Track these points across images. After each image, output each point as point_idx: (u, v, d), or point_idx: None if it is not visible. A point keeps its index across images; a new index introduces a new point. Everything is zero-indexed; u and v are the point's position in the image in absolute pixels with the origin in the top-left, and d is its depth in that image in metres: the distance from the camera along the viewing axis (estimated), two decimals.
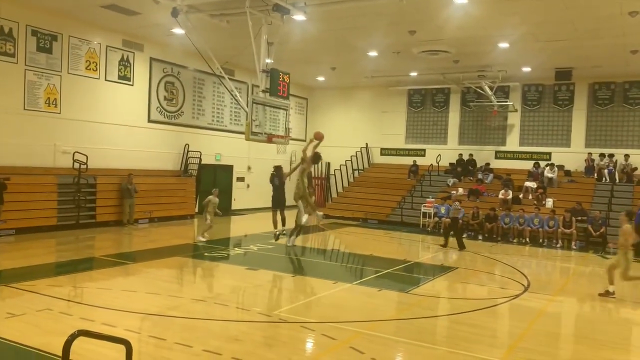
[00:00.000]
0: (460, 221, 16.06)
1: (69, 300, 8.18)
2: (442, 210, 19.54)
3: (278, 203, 13.73)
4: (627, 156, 20.39)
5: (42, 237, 14.07)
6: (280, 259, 12.51)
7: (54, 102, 15.70)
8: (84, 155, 15.65)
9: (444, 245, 15.40)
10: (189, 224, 18.89)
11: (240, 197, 23.06)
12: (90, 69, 16.68)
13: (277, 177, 13.44)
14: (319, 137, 13.53)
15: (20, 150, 14.83)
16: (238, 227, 19.31)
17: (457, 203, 16.04)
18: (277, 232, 13.68)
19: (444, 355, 6.49)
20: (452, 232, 15.57)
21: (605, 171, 20.33)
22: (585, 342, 7.40)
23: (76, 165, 15.50)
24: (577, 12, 13.32)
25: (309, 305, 8.88)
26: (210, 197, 14.98)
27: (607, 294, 9.93)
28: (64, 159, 15.75)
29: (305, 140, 27.36)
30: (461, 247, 15.15)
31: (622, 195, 18.83)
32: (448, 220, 19.06)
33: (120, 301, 8.14)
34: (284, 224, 13.33)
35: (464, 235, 18.12)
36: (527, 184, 20.66)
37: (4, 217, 13.73)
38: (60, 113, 15.85)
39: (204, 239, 14.52)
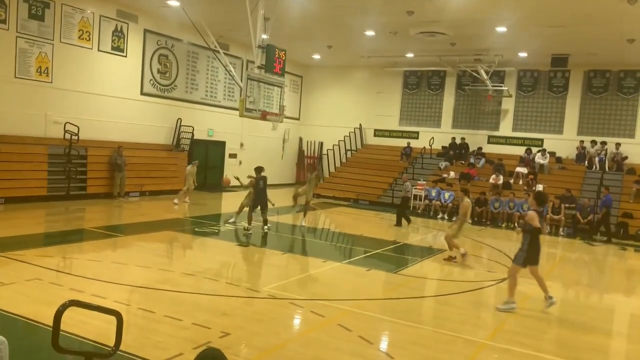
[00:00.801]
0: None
1: (58, 271, 8.19)
2: (433, 193, 19.64)
3: (263, 203, 12.92)
4: (618, 145, 20.52)
5: (32, 207, 14.01)
6: (271, 236, 12.56)
7: (46, 71, 15.48)
8: (76, 126, 15.50)
9: (397, 225, 15.91)
10: (182, 197, 18.83)
11: (232, 174, 22.95)
12: (83, 39, 16.42)
13: (261, 178, 12.50)
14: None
15: (10, 119, 14.66)
16: (229, 203, 19.30)
17: (407, 184, 16.90)
18: (250, 229, 12.88)
19: (429, 335, 6.59)
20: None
21: (596, 159, 20.47)
22: (569, 326, 7.53)
23: (67, 136, 15.36)
24: None
25: (298, 282, 8.95)
26: (189, 167, 17.14)
27: (450, 259, 11.22)
28: (55, 129, 15.60)
29: (298, 119, 27.36)
30: (408, 221, 16.15)
31: (611, 183, 18.98)
32: (438, 202, 19.28)
33: (110, 273, 8.16)
34: (266, 224, 12.71)
35: (454, 218, 18.40)
36: (518, 169, 20.78)
37: None
38: (52, 82, 15.64)
39: (177, 203, 16.39)
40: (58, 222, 13.20)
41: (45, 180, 15.16)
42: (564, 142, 21.89)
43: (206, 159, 21.90)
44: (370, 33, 18.64)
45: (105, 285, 7.47)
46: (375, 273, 9.90)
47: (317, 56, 24.43)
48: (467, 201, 11.43)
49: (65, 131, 15.36)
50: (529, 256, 7.86)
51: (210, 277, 8.52)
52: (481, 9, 14.69)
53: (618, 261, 14.10)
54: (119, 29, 17.53)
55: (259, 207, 12.62)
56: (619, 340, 7.34)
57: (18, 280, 7.37)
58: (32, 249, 9.31)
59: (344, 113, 26.34)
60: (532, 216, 7.76)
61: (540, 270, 8.17)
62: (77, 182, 16.05)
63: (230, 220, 13.94)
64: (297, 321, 7.03)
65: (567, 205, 17.57)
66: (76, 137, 15.46)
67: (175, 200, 16.54)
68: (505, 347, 6.35)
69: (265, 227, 12.55)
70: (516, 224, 17.61)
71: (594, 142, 20.96)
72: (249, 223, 12.52)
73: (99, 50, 16.95)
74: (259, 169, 12.64)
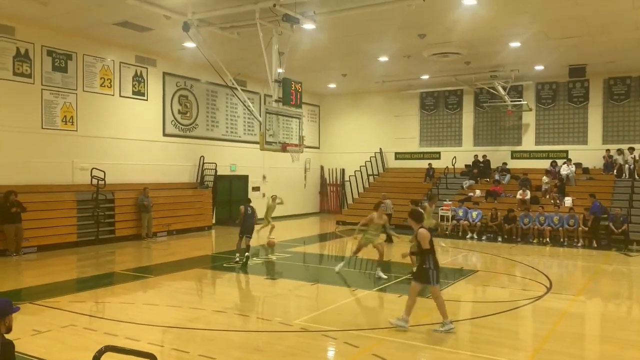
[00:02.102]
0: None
1: (92, 316, 8.27)
2: (460, 213, 19.40)
3: (248, 229, 13.38)
4: None
5: (63, 254, 14.24)
6: (299, 267, 12.51)
7: (71, 120, 15.95)
8: (102, 171, 15.85)
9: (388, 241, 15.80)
10: (207, 235, 19.00)
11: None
12: (105, 86, 16.92)
13: (249, 207, 13.56)
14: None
15: (39, 169, 15.07)
16: (255, 236, 19.32)
17: (387, 201, 17.20)
18: (238, 258, 13.15)
19: None
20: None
21: (625, 167, 20.03)
22: (611, 341, 7.28)
23: (94, 181, 15.70)
24: (588, 8, 13.20)
25: (329, 313, 8.86)
26: (270, 202, 17.46)
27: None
28: (82, 176, 15.97)
29: (318, 148, 27.52)
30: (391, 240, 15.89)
31: None
32: (466, 222, 19.02)
33: (142, 315, 8.20)
34: (248, 250, 13.00)
35: (483, 237, 18.14)
36: (545, 179, 20.41)
37: (26, 235, 13.94)
38: (77, 130, 16.09)
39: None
40: (89, 267, 13.37)
41: (75, 227, 15.46)
42: (589, 152, 21.51)
43: (230, 194, 22.13)
44: (383, 58, 18.80)
45: (139, 327, 7.50)
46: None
47: (332, 85, 24.69)
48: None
49: (92, 177, 15.70)
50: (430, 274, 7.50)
51: (241, 312, 8.50)
52: (493, 26, 14.73)
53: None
54: (138, 73, 18.02)
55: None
56: None
57: (53, 327, 7.46)
58: (65, 295, 9.44)
59: (364, 138, 26.42)
60: (423, 235, 7.49)
61: (582, 284, 7.92)
62: (106, 226, 16.31)
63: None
64: (330, 353, 6.94)
65: (600, 215, 17.15)
66: (103, 182, 15.78)
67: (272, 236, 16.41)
68: None
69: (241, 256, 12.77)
70: (547, 239, 17.27)
71: (620, 151, 20.56)
72: (238, 251, 12.87)
73: (120, 95, 17.43)
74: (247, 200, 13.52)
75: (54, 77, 15.49)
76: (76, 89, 16.06)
